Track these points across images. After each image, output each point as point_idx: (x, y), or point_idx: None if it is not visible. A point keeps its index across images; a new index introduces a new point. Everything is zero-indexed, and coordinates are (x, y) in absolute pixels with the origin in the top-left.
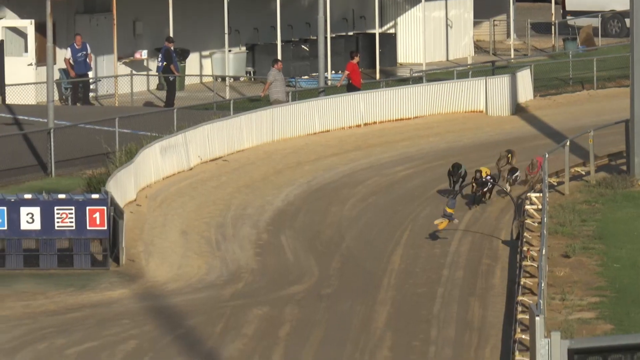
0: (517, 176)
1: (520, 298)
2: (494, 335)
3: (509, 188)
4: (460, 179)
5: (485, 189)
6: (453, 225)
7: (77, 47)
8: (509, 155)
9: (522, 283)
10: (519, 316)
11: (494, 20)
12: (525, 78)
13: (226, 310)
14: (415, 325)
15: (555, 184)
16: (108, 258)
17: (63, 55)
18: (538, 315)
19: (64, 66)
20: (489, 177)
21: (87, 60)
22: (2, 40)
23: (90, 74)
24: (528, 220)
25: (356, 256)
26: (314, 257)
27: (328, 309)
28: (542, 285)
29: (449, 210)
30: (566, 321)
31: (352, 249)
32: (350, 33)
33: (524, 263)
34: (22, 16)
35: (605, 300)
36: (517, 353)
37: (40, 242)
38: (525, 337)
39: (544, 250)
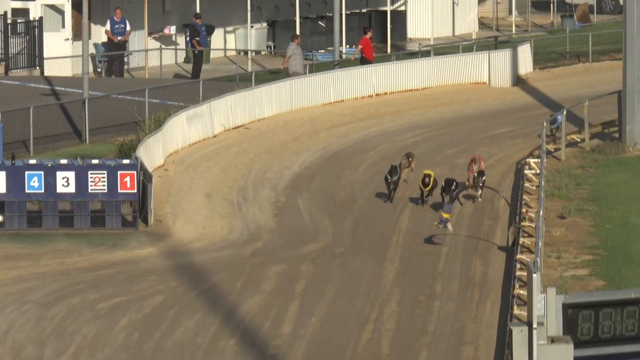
0: (484, 180)
1: (518, 256)
2: (494, 291)
3: (479, 192)
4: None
5: (448, 192)
6: (445, 231)
7: (116, 19)
8: (410, 159)
9: (521, 242)
10: (518, 273)
11: None
12: (525, 52)
13: (246, 267)
14: (422, 281)
15: (553, 150)
16: (137, 219)
17: (98, 31)
18: (535, 272)
19: (98, 41)
20: (454, 182)
21: (127, 35)
22: (42, 17)
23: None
24: (527, 184)
25: (367, 217)
26: (328, 218)
27: (341, 266)
28: (539, 244)
29: (445, 216)
30: (561, 278)
31: (364, 210)
32: (364, 10)
33: (523, 224)
34: None
35: (598, 258)
36: (515, 307)
37: (75, 204)
38: (523, 292)
39: (541, 212)
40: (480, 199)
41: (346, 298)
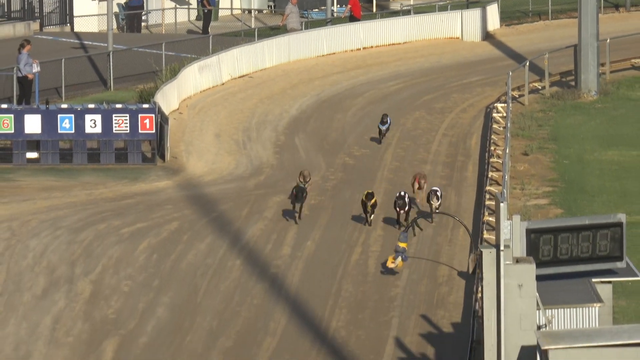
0: (439, 204)
1: (488, 188)
2: (467, 218)
3: (434, 210)
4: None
5: (403, 210)
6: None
7: None
8: (303, 174)
9: (489, 176)
10: (487, 202)
11: None
12: (493, 11)
13: (250, 197)
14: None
15: (517, 96)
16: (155, 156)
17: None
18: (502, 202)
19: (121, 1)
20: (405, 195)
21: None
22: None
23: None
24: (495, 126)
25: (356, 154)
26: (322, 155)
27: (333, 196)
28: (506, 177)
29: (401, 245)
30: (525, 206)
31: (353, 148)
32: None
33: (491, 160)
34: None
35: (557, 189)
36: (485, 232)
37: (101, 142)
38: (491, 219)
39: (507, 149)
40: (432, 221)
41: (337, 225)
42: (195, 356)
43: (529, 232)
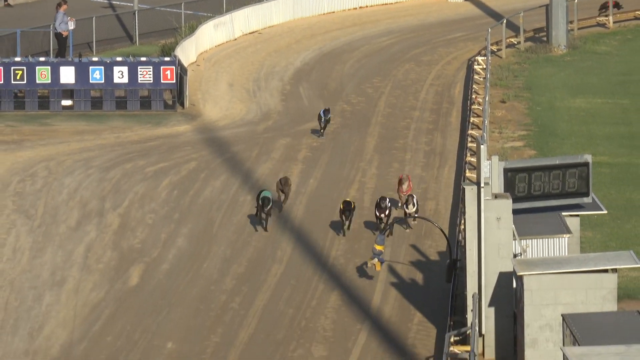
0: (416, 209)
1: (470, 132)
2: (451, 158)
3: (412, 219)
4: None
5: (384, 214)
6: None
7: None
8: (282, 181)
9: (471, 121)
10: (469, 145)
11: None
12: None
13: (260, 140)
14: (394, 152)
15: (495, 50)
16: (176, 103)
17: None
18: (482, 144)
19: None
20: (388, 203)
21: None
22: None
23: None
24: (476, 76)
25: (353, 102)
26: (323, 102)
27: (333, 139)
28: (486, 122)
29: (378, 248)
30: (502, 148)
31: (350, 96)
32: None
33: (473, 107)
34: None
35: (531, 133)
36: (467, 171)
37: (128, 91)
38: (473, 159)
39: (487, 97)
40: (412, 228)
41: (336, 164)
42: (211, 281)
43: (506, 171)
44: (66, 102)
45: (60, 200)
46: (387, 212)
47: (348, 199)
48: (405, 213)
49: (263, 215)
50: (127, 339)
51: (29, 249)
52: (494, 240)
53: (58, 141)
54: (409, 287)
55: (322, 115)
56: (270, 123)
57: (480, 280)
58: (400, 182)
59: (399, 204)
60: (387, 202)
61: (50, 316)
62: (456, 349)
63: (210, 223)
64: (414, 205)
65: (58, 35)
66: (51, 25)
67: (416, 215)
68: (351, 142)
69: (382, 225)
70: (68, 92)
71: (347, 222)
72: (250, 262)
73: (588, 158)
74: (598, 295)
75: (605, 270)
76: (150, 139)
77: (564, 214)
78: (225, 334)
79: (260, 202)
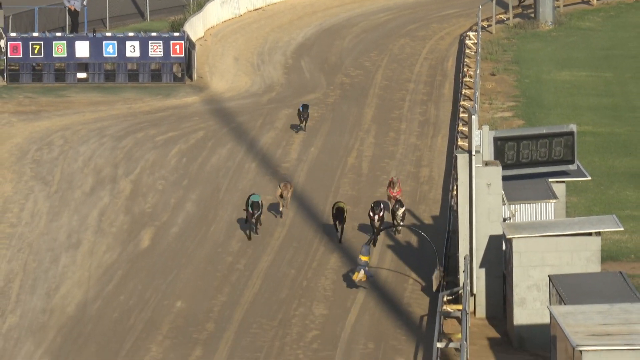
0: (404, 211)
1: (462, 103)
2: (444, 128)
3: (400, 222)
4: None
5: (378, 216)
6: (368, 278)
7: None
8: (284, 185)
9: (463, 93)
10: (461, 115)
11: None
12: None
13: (264, 111)
14: (391, 122)
15: (486, 26)
16: (184, 76)
17: None
18: (474, 114)
19: None
20: (380, 203)
21: None
22: None
23: None
24: (467, 50)
25: (352, 74)
26: (323, 75)
27: (332, 110)
28: (477, 94)
29: (363, 259)
30: (492, 118)
31: (349, 69)
32: None
33: (464, 79)
34: None
35: (519, 104)
36: (459, 140)
37: (139, 65)
38: (464, 129)
39: (478, 71)
40: (399, 232)
41: (336, 133)
42: (218, 243)
43: (496, 139)
44: (81, 75)
45: (75, 167)
46: (381, 214)
47: (340, 205)
48: (394, 216)
49: (253, 220)
50: (139, 298)
51: (46, 214)
52: (484, 205)
53: (73, 112)
54: (405, 249)
55: (301, 110)
56: (273, 95)
57: (471, 243)
58: (391, 185)
59: (389, 207)
60: (382, 206)
61: (66, 277)
62: (449, 308)
63: (217, 189)
64: (401, 206)
65: (69, 11)
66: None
67: (402, 223)
68: (350, 112)
69: (376, 228)
70: (83, 65)
71: (340, 228)
72: None
73: (573, 128)
74: (582, 257)
75: (590, 234)
76: (160, 109)
77: (550, 180)
78: (231, 294)
79: (249, 208)
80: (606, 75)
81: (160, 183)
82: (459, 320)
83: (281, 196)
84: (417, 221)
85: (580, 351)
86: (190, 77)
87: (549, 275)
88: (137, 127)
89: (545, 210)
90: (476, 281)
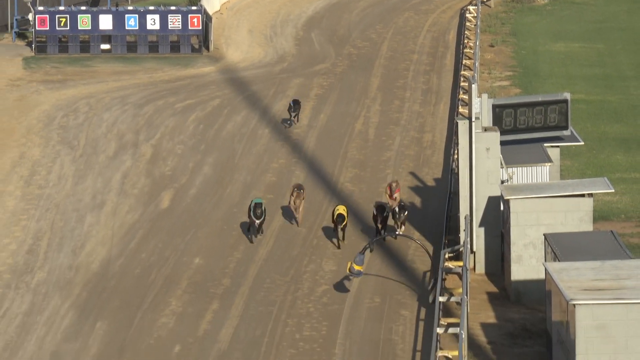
0: (405, 215)
1: (462, 72)
2: (446, 96)
3: (402, 229)
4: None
5: (381, 217)
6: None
7: None
8: (297, 194)
9: (463, 63)
10: (461, 84)
11: None
12: None
13: (276, 80)
14: (395, 90)
15: (485, 0)
16: (202, 47)
17: None
18: (474, 83)
19: None
20: (382, 204)
21: None
22: None
23: None
24: (467, 23)
25: (359, 45)
26: (332, 47)
27: (340, 79)
28: (476, 64)
29: (357, 268)
30: (491, 87)
31: (356, 41)
32: None
33: (465, 50)
34: None
35: (516, 74)
36: (460, 107)
37: (159, 37)
38: (465, 97)
39: (477, 42)
40: (400, 233)
41: (344, 101)
42: (234, 204)
43: (494, 107)
44: (105, 46)
45: (99, 133)
46: (384, 214)
47: (341, 211)
48: (395, 215)
49: (256, 225)
50: (159, 255)
51: (72, 176)
52: (483, 168)
53: (97, 81)
54: (408, 210)
55: (291, 105)
56: (285, 65)
57: (471, 204)
58: (390, 189)
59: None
60: (387, 209)
61: (91, 235)
62: (450, 265)
63: (233, 153)
64: (403, 210)
65: None
66: None
67: (400, 233)
68: (357, 81)
69: (378, 232)
70: (106, 37)
71: (341, 233)
72: (268, 187)
73: (567, 96)
74: (576, 217)
75: (582, 195)
76: (179, 78)
77: (545, 145)
78: (246, 251)
79: (252, 213)
80: (598, 47)
81: (179, 148)
82: (460, 276)
83: (294, 203)
84: (420, 183)
85: (574, 305)
86: (207, 48)
87: (544, 234)
88: (158, 95)
89: (540, 173)
90: (476, 239)
